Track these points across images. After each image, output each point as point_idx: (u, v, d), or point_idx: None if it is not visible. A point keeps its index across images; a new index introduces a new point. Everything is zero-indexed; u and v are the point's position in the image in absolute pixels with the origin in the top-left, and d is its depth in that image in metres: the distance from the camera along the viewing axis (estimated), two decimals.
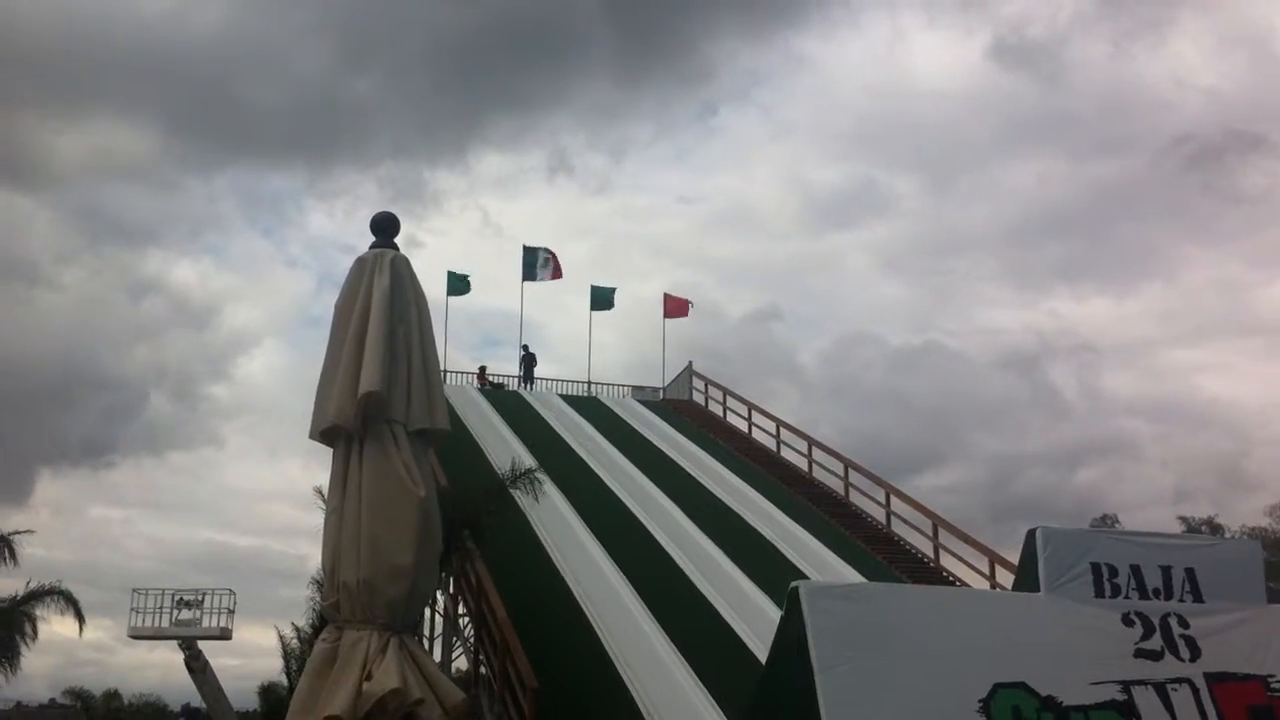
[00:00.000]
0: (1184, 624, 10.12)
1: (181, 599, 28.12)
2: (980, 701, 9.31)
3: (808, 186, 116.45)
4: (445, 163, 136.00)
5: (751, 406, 32.74)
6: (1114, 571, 10.23)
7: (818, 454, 28.58)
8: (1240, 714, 9.83)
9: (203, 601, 28.20)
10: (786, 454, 29.87)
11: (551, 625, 18.37)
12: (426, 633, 20.94)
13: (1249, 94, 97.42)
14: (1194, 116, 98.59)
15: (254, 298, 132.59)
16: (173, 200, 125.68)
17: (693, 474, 27.54)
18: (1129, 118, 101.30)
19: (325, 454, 11.26)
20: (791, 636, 9.54)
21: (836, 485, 27.12)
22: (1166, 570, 10.31)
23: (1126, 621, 10.05)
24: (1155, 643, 10.00)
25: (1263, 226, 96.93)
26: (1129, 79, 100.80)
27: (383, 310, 10.65)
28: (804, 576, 19.21)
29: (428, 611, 20.69)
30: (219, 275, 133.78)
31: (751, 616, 18.70)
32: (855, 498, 26.32)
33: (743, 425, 32.49)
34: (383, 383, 10.44)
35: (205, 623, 28.12)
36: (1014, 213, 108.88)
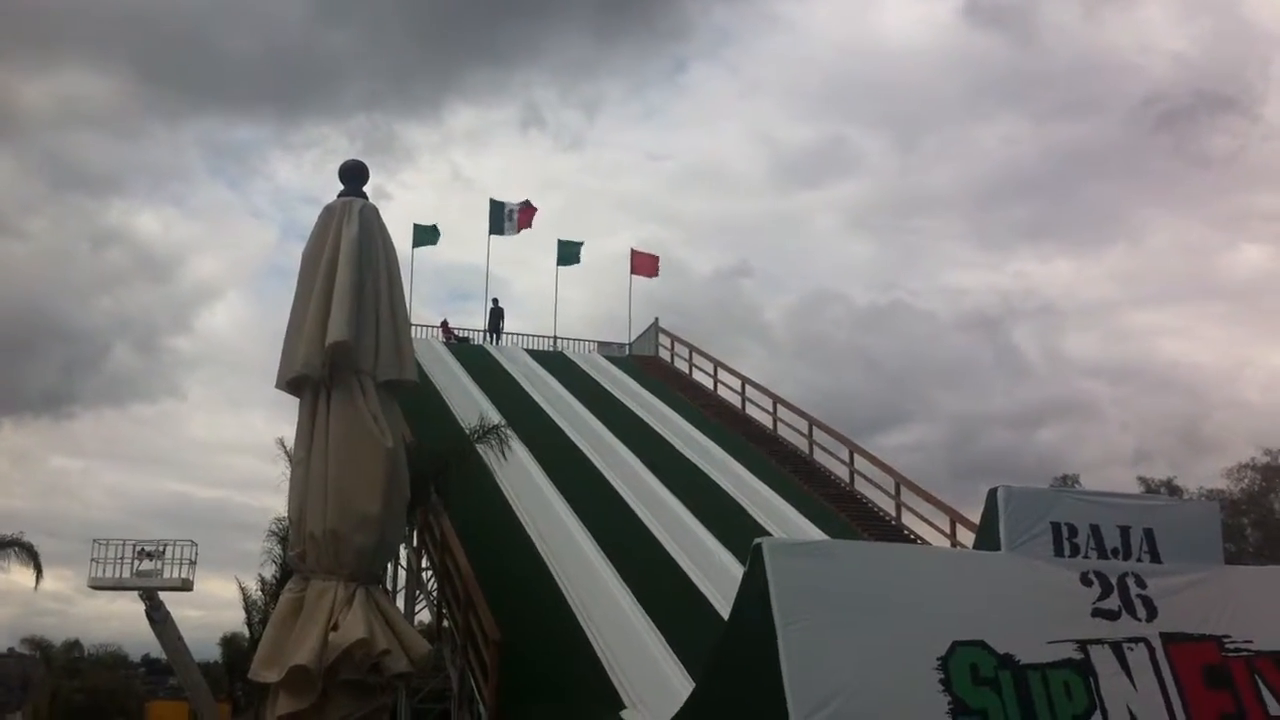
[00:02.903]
0: (1141, 584, 10.24)
1: (142, 550, 28.04)
2: (939, 659, 9.41)
3: (776, 145, 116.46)
4: (418, 116, 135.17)
5: (717, 364, 32.80)
6: (1074, 531, 10.33)
7: (783, 412, 28.68)
8: (1195, 674, 9.98)
9: (164, 552, 28.14)
10: (752, 411, 29.97)
11: (515, 580, 18.42)
12: (389, 586, 20.95)
13: (1217, 58, 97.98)
14: (1163, 79, 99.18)
15: (218, 249, 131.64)
16: (138, 149, 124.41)
17: (658, 430, 27.60)
18: (1099, 79, 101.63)
19: (288, 406, 11.21)
20: (754, 592, 9.60)
21: (801, 443, 27.24)
22: (1125, 530, 10.43)
23: (1085, 581, 10.16)
24: (1113, 602, 10.12)
25: (1228, 190, 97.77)
26: (1100, 41, 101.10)
27: (351, 259, 10.54)
28: (767, 534, 19.31)
29: (391, 565, 20.69)
30: (183, 225, 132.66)
31: (714, 573, 18.81)
32: (819, 456, 26.44)
33: (708, 382, 32.55)
34: (350, 332, 10.36)
35: (166, 574, 28.07)
36: (982, 173, 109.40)
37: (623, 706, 14.92)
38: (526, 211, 41.14)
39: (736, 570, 15.85)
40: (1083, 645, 9.84)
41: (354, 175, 11.29)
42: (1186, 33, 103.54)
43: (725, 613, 12.61)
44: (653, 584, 18.61)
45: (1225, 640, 10.15)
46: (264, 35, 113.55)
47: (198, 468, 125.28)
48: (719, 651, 10.16)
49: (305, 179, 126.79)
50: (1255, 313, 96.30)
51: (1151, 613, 10.16)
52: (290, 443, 16.43)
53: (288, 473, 13.55)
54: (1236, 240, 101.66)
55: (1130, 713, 9.64)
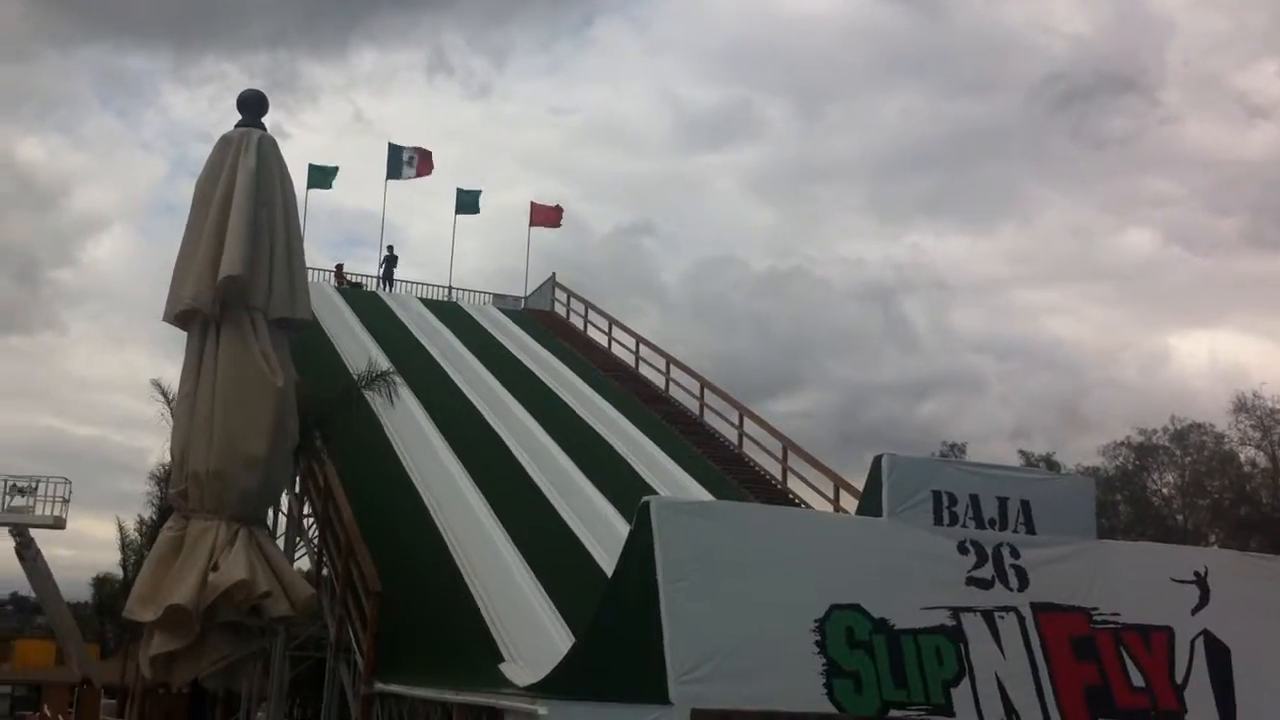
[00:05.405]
0: (1015, 554, 10.51)
1: (14, 485, 27.36)
2: (816, 621, 9.59)
3: (680, 105, 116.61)
4: (323, 56, 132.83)
5: (613, 321, 32.74)
6: (953, 500, 10.57)
7: (675, 372, 28.74)
8: (1063, 644, 10.28)
9: (36, 489, 27.49)
10: (645, 371, 29.97)
11: (399, 530, 18.26)
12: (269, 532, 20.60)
13: (1120, 40, 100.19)
14: (1064, 59, 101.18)
15: (105, 180, 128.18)
16: (26, 73, 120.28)
17: (549, 385, 27.52)
18: (1002, 58, 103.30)
19: (174, 344, 11.01)
20: (639, 550, 9.66)
21: (692, 404, 27.36)
22: (1003, 502, 10.69)
23: (961, 550, 10.41)
24: (987, 571, 10.38)
25: (1120, 173, 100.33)
26: (1004, 19, 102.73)
27: (247, 192, 10.31)
28: (655, 492, 19.41)
29: (271, 511, 20.39)
30: (69, 154, 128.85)
31: (600, 530, 18.84)
32: (709, 418, 26.57)
33: (603, 340, 32.49)
34: (244, 267, 10.15)
35: (38, 511, 27.43)
36: (883, 145, 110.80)
37: (502, 660, 14.91)
38: (425, 160, 40.60)
39: (622, 527, 15.92)
40: (955, 612, 10.09)
41: (253, 105, 11.05)
42: (1089, 16, 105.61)
43: (609, 569, 12.65)
44: (537, 538, 18.59)
45: (1094, 612, 10.48)
46: None
47: (75, 404, 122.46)
48: (602, 607, 10.21)
49: (200, 114, 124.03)
50: (1137, 295, 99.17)
51: (1023, 583, 10.43)
52: (167, 384, 16.12)
53: (167, 414, 13.27)
54: (1124, 224, 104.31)
55: (998, 680, 9.92)
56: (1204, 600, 10.89)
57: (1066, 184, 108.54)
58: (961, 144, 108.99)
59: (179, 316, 10.46)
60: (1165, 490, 44.32)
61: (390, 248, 38.77)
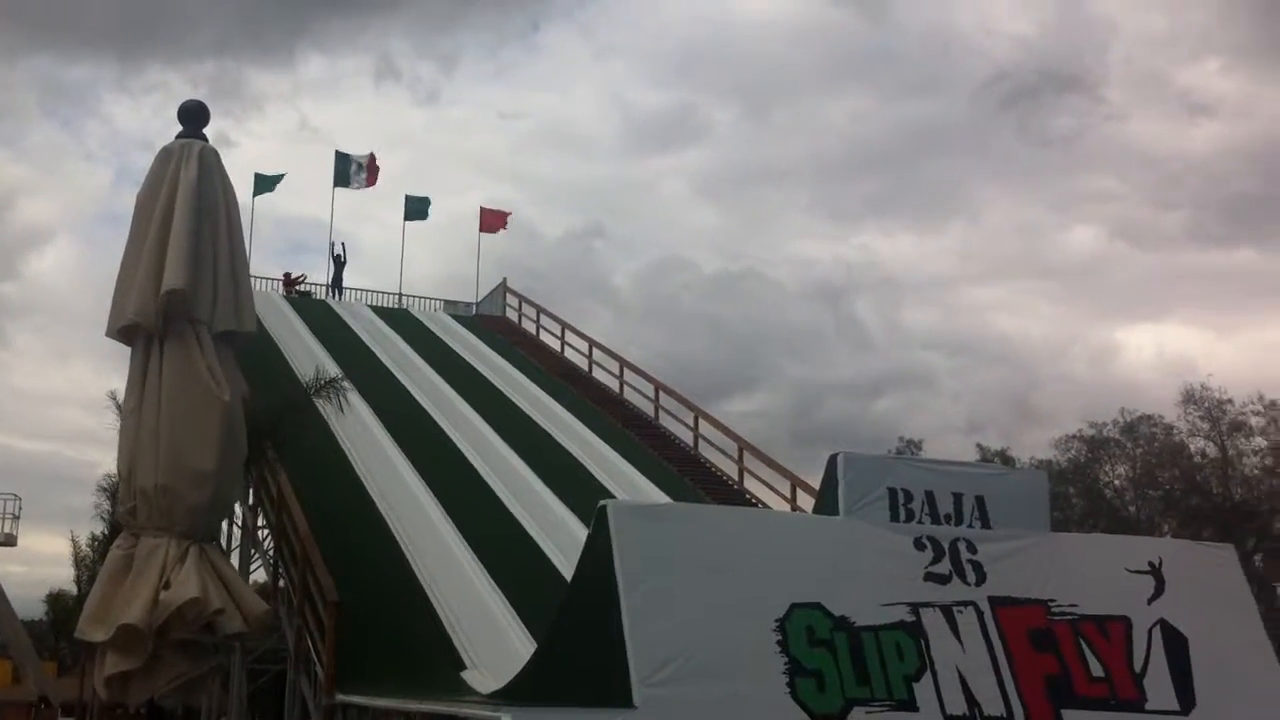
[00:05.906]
0: (972, 549, 10.55)
1: None
2: (777, 621, 9.57)
3: (628, 109, 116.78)
4: (268, 63, 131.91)
5: (565, 325, 32.70)
6: (909, 497, 10.58)
7: (629, 375, 28.72)
8: (1021, 636, 10.33)
9: None
10: (598, 374, 29.95)
11: (354, 539, 18.13)
12: (223, 545, 20.38)
13: (1063, 38, 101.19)
14: (1008, 59, 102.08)
15: (49, 192, 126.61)
16: None
17: (503, 391, 27.44)
18: (947, 59, 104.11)
19: (120, 357, 10.83)
20: (598, 555, 9.62)
21: (647, 407, 27.34)
22: (958, 497, 10.72)
23: (918, 545, 10.43)
24: (944, 566, 10.41)
25: (1065, 171, 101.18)
26: (950, 20, 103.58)
27: (189, 204, 10.18)
28: (611, 496, 19.37)
29: (225, 523, 20.17)
30: (11, 166, 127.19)
31: (558, 534, 18.79)
32: (665, 420, 26.57)
33: (555, 344, 32.45)
34: (187, 280, 10.02)
35: None
36: (830, 146, 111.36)
37: (464, 667, 14.83)
38: (373, 169, 40.37)
39: (580, 532, 15.86)
40: (915, 608, 10.11)
41: (194, 116, 10.90)
42: (1031, 16, 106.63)
43: (568, 574, 12.60)
44: (495, 545, 18.51)
45: (1051, 604, 10.53)
46: None
47: (20, 419, 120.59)
48: (562, 612, 10.17)
49: (144, 123, 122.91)
50: (1084, 291, 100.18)
51: (981, 577, 10.47)
52: (120, 397, 15.91)
53: (118, 426, 13.09)
54: (1070, 221, 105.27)
55: (959, 673, 9.94)
56: (1159, 590, 10.96)
57: (1012, 182, 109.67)
58: (908, 144, 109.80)
59: (122, 331, 10.30)
60: (1117, 482, 44.77)
61: (339, 254, 38.30)
